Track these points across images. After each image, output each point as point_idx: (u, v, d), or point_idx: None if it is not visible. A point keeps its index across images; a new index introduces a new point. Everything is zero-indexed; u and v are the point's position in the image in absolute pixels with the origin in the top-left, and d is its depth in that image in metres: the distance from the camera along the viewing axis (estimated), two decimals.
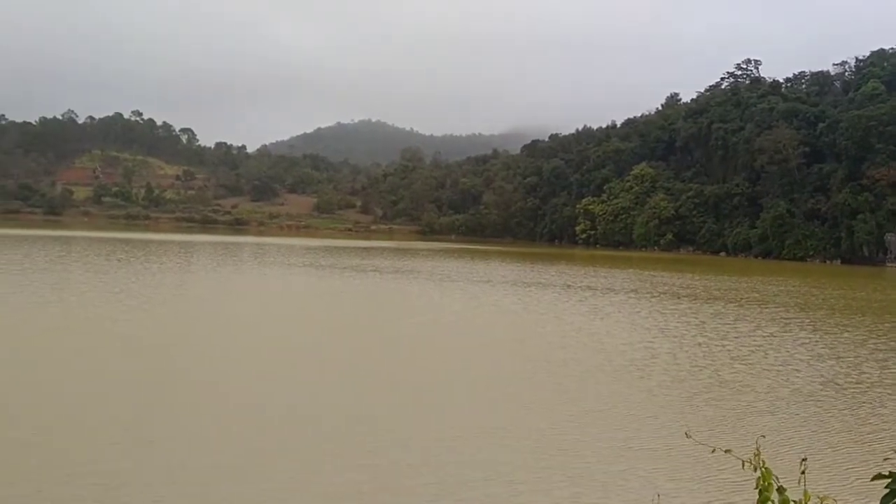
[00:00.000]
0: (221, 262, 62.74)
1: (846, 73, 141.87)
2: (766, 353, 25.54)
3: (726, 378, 20.95)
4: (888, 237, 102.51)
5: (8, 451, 12.05)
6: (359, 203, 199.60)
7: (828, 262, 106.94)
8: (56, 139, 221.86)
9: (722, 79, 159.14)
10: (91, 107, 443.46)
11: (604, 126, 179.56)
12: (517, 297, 40.76)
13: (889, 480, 2.91)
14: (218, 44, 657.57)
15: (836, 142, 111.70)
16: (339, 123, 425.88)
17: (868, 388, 20.57)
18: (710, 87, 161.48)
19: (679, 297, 44.34)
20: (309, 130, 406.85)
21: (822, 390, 20.00)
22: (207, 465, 11.96)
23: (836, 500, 2.97)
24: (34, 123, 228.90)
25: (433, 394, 17.63)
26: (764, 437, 4.60)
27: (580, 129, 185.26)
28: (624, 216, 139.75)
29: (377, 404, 16.31)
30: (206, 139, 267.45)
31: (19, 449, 12.16)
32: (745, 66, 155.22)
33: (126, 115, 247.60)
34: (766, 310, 39.69)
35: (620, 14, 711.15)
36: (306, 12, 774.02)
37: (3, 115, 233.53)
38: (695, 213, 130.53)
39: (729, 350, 25.85)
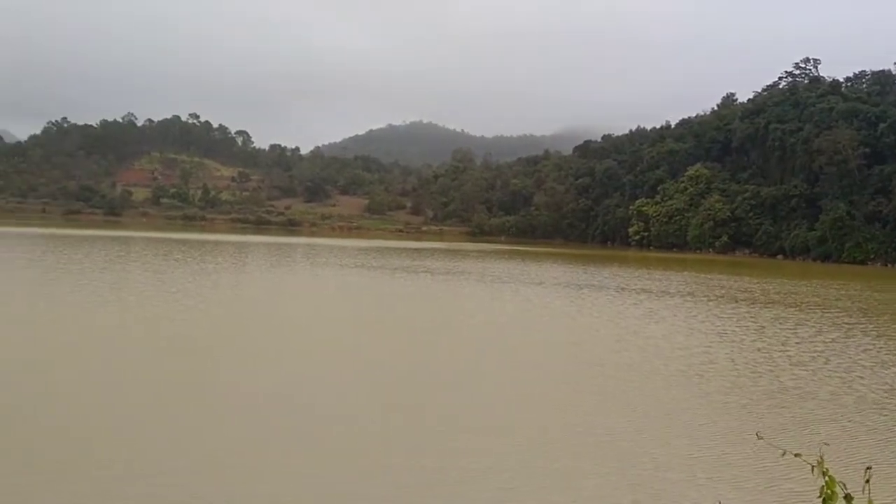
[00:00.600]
0: (275, 262, 63.57)
1: None
2: (828, 359, 24.90)
3: (787, 384, 20.47)
4: None
5: (77, 447, 12.36)
6: (409, 204, 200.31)
7: (889, 265, 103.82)
8: (116, 141, 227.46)
9: (780, 78, 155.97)
10: (150, 110, 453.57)
11: (658, 126, 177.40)
12: (570, 300, 40.46)
13: None
14: (273, 47, 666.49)
15: None
16: (390, 125, 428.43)
17: None
18: (768, 86, 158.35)
19: (737, 301, 43.52)
20: (361, 132, 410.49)
21: (887, 398, 19.42)
22: (256, 465, 12.08)
23: None
24: (95, 126, 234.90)
25: (488, 398, 17.55)
26: (828, 444, 4.48)
27: (633, 129, 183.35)
28: (678, 218, 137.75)
29: (431, 408, 16.30)
30: (261, 141, 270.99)
31: (85, 445, 12.45)
32: (803, 66, 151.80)
33: (183, 118, 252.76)
34: (828, 314, 38.72)
35: (674, 13, 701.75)
36: (358, 15, 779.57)
37: (66, 118, 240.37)
38: (751, 214, 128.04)
39: (789, 355, 25.26)
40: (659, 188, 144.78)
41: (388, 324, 29.91)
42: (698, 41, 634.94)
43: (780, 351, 26.13)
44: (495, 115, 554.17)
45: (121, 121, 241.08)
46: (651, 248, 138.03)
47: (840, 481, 3.01)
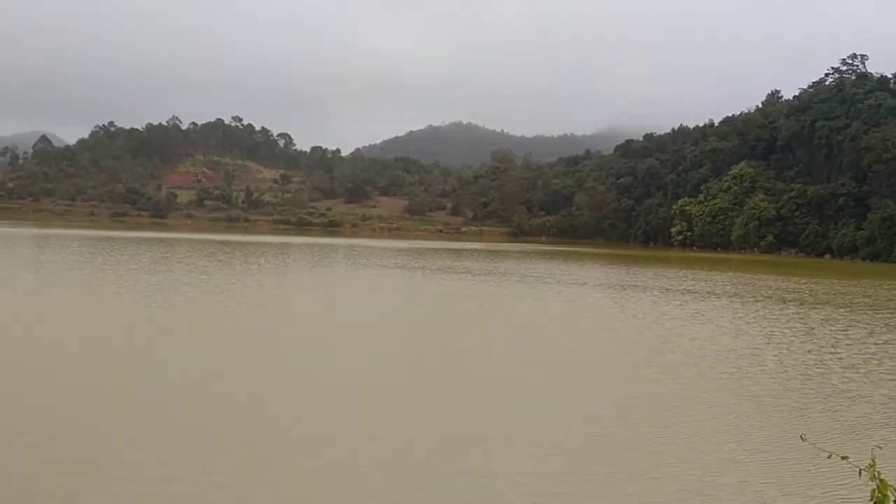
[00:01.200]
0: (317, 263, 64.05)
1: None
2: (881, 362, 24.28)
3: (839, 387, 19.99)
4: None
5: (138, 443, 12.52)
6: (449, 205, 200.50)
7: None
8: (161, 144, 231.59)
9: (826, 75, 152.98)
10: (194, 113, 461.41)
11: (701, 125, 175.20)
12: (613, 301, 40.07)
13: None
14: (312, 50, 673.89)
15: None
16: (430, 126, 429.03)
17: None
18: (814, 83, 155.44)
19: (784, 302, 42.72)
20: (401, 133, 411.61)
21: None
22: (299, 470, 12.11)
23: None
24: (141, 130, 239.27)
25: (534, 400, 17.41)
26: (881, 448, 4.32)
27: (676, 128, 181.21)
28: (722, 217, 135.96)
29: (477, 412, 16.23)
30: (302, 143, 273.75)
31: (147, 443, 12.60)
32: (850, 62, 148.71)
33: (227, 121, 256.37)
34: (879, 315, 37.82)
35: (715, 10, 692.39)
36: (397, 17, 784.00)
37: (113, 122, 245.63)
38: (797, 213, 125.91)
39: (840, 358, 24.68)
40: (702, 187, 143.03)
41: (430, 327, 29.88)
42: (742, 38, 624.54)
43: (830, 353, 25.55)
44: (536, 115, 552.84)
45: (166, 124, 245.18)
46: (694, 248, 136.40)
47: (893, 486, 2.90)
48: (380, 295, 40.09)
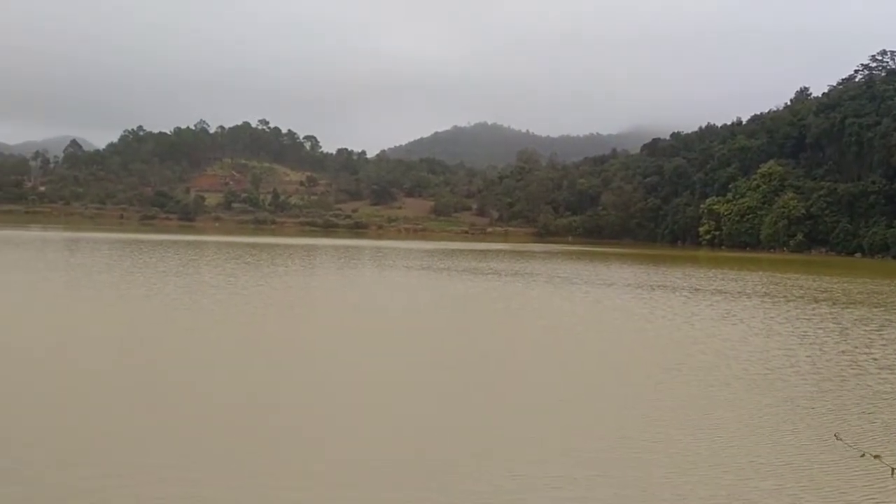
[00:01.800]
0: (343, 264, 64.17)
1: None
2: None
3: (875, 388, 19.59)
4: None
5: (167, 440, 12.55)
6: (475, 206, 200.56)
7: None
8: (189, 148, 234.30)
9: (856, 71, 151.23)
10: (221, 117, 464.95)
11: (728, 123, 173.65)
12: (642, 301, 39.70)
13: None
14: (339, 52, 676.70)
15: None
16: (455, 127, 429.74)
17: None
18: (843, 80, 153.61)
19: (817, 301, 42.08)
20: (426, 135, 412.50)
21: None
22: (324, 469, 12.05)
23: None
24: (169, 133, 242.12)
25: (563, 403, 17.23)
26: None
27: (703, 126, 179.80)
28: (750, 216, 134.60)
29: (504, 414, 16.10)
30: (329, 146, 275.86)
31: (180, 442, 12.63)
32: (880, 58, 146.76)
33: (253, 124, 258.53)
34: None
35: (744, 7, 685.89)
36: (425, 18, 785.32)
37: (142, 126, 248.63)
38: (827, 212, 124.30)
39: (876, 359, 24.20)
40: (730, 186, 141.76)
41: (458, 328, 29.77)
42: (769, 35, 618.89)
43: (865, 353, 25.08)
44: (561, 115, 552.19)
45: (193, 128, 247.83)
46: (722, 247, 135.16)
47: None
48: (406, 296, 40.04)
